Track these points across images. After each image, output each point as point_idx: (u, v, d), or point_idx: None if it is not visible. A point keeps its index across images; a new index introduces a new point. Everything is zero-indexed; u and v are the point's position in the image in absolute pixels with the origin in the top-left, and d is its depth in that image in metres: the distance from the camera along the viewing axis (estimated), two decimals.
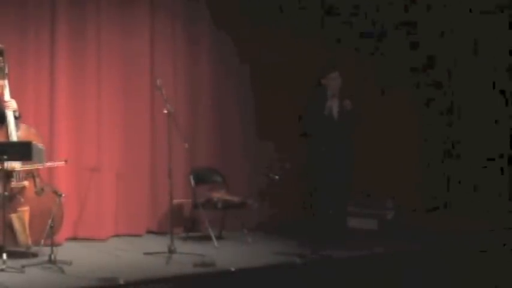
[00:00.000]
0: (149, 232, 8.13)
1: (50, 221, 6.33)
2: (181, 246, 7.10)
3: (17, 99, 6.75)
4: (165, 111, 6.97)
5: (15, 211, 6.54)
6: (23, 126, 6.77)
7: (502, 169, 9.21)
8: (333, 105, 7.72)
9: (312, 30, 8.88)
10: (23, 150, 6.26)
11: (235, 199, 7.74)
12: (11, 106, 6.63)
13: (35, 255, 6.62)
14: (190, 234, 7.93)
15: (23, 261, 6.35)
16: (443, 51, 9.43)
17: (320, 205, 7.73)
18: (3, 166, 6.31)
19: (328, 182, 7.60)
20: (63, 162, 6.84)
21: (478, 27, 9.23)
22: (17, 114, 6.67)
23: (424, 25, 9.32)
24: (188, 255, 6.81)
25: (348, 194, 7.89)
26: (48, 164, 6.75)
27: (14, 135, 6.62)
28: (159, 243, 7.25)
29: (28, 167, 6.61)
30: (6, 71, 6.74)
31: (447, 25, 9.35)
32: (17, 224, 6.52)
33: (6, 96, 6.68)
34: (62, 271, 6.18)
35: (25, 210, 6.57)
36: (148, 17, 8.16)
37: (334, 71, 7.78)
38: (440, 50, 9.43)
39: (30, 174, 6.69)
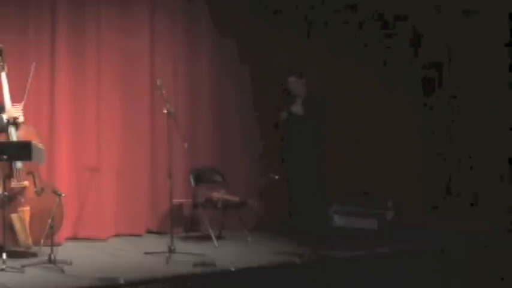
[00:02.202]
0: (149, 232, 8.13)
1: (50, 221, 6.32)
2: (181, 246, 7.09)
3: (17, 99, 6.76)
4: (165, 111, 6.97)
5: (15, 211, 6.53)
6: (23, 126, 6.75)
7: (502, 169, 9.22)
8: (297, 106, 8.24)
9: (312, 30, 8.88)
10: (23, 150, 6.26)
11: (235, 199, 7.73)
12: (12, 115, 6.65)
13: (35, 255, 6.62)
14: (190, 234, 7.94)
15: (23, 261, 6.34)
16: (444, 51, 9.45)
17: (297, 203, 8.14)
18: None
19: (301, 180, 8.05)
20: None
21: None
22: (21, 119, 6.68)
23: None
24: (188, 255, 6.81)
25: (324, 190, 8.20)
26: None
27: (14, 135, 6.62)
28: (159, 243, 7.25)
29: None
30: (5, 70, 6.74)
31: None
32: (17, 224, 6.51)
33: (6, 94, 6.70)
34: (62, 271, 6.18)
35: (25, 210, 6.56)
36: (148, 17, 8.16)
37: (293, 75, 8.31)
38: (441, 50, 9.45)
39: (31, 174, 6.69)
